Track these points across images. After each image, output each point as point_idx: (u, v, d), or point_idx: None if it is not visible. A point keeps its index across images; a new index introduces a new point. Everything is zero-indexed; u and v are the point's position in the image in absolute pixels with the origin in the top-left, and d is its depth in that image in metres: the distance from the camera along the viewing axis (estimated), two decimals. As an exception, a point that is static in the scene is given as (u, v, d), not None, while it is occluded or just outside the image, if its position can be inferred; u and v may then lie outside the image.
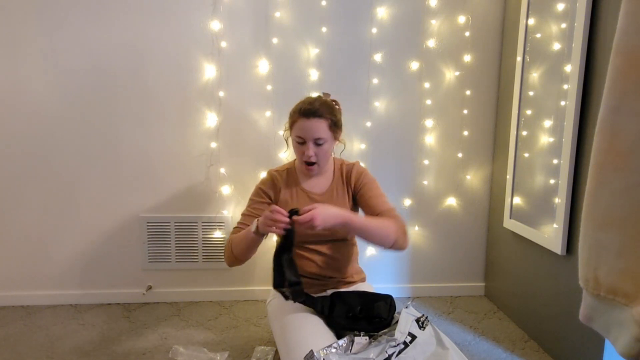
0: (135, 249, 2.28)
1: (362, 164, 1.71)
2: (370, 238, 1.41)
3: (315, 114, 1.46)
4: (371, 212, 1.54)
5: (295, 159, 1.65)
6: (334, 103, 1.58)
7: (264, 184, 1.62)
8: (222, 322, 2.11)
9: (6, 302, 2.26)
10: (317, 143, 1.48)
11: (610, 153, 0.50)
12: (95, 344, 1.89)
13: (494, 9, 2.25)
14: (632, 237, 0.48)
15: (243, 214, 1.61)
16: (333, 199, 1.58)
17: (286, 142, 1.69)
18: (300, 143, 1.50)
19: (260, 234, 1.41)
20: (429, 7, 2.23)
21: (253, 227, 1.40)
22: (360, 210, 1.64)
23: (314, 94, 1.62)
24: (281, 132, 2.25)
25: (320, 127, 1.46)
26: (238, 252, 1.50)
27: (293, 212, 1.31)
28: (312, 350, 1.21)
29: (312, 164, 1.51)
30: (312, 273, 1.56)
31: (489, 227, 2.41)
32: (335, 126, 1.52)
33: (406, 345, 1.19)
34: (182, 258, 2.30)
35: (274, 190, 1.60)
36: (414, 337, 1.22)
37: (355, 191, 1.60)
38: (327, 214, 1.28)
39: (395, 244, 1.42)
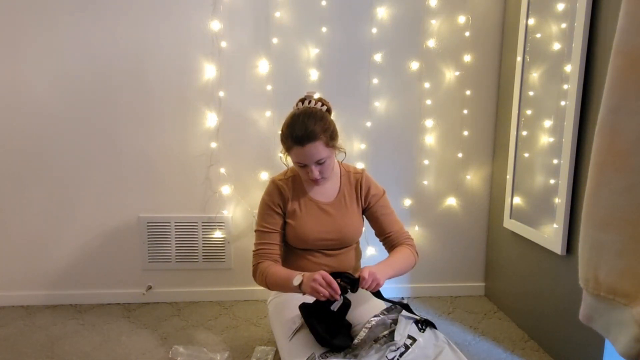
0: (135, 249, 2.28)
1: (362, 168, 1.70)
2: (400, 275, 1.51)
3: (310, 138, 1.37)
4: (382, 230, 1.59)
5: None
6: (322, 107, 1.49)
7: (272, 196, 1.55)
8: (222, 322, 2.11)
9: (6, 302, 2.26)
10: (319, 163, 1.43)
11: (610, 153, 0.50)
12: (95, 344, 1.89)
13: (494, 9, 2.25)
14: (632, 237, 0.48)
15: (259, 231, 1.55)
16: (342, 207, 1.56)
17: (286, 165, 1.62)
18: (302, 166, 1.45)
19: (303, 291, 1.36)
20: (429, 7, 2.22)
21: (296, 282, 1.33)
22: (366, 219, 1.64)
23: (304, 100, 1.52)
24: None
25: (318, 149, 1.39)
26: (274, 289, 1.50)
27: (343, 280, 1.29)
28: (314, 353, 1.20)
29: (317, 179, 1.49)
30: None
31: (489, 227, 2.41)
32: (332, 139, 1.45)
33: (407, 348, 1.19)
34: (182, 258, 2.30)
35: (282, 200, 1.55)
36: (414, 340, 1.22)
37: (365, 205, 1.60)
38: (380, 274, 1.33)
39: (412, 268, 1.57)
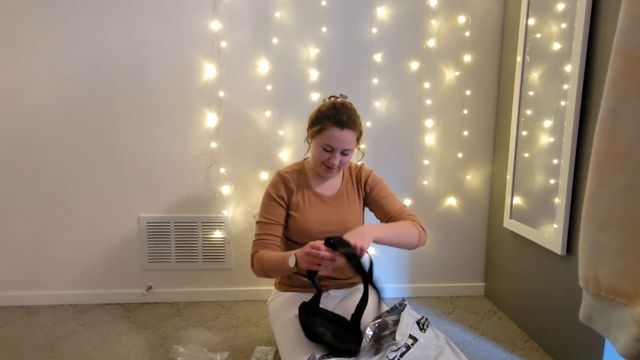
0: (135, 249, 2.28)
1: (361, 163, 1.71)
2: (398, 245, 1.46)
3: (349, 126, 1.43)
4: (383, 212, 1.58)
5: (304, 160, 1.64)
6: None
7: (277, 187, 1.56)
8: (222, 322, 2.11)
9: (6, 302, 2.26)
10: (344, 153, 1.47)
11: (610, 153, 0.50)
12: (95, 344, 1.89)
13: (494, 9, 2.25)
14: (632, 237, 0.48)
15: (261, 222, 1.55)
16: (344, 201, 1.58)
17: (308, 142, 1.59)
18: (327, 150, 1.47)
19: (301, 270, 1.34)
20: (429, 7, 2.22)
21: (292, 263, 1.32)
22: (369, 209, 1.64)
23: (337, 98, 1.54)
24: (281, 132, 2.25)
25: (351, 138, 1.45)
26: (272, 274, 1.48)
27: (330, 243, 1.24)
28: (313, 354, 1.20)
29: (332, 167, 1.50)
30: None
31: (489, 227, 2.41)
32: (360, 136, 1.52)
33: (408, 348, 1.19)
34: (182, 258, 2.30)
35: (287, 192, 1.55)
36: (415, 340, 1.22)
37: (366, 193, 1.61)
38: (364, 238, 1.28)
39: (420, 243, 1.49)
